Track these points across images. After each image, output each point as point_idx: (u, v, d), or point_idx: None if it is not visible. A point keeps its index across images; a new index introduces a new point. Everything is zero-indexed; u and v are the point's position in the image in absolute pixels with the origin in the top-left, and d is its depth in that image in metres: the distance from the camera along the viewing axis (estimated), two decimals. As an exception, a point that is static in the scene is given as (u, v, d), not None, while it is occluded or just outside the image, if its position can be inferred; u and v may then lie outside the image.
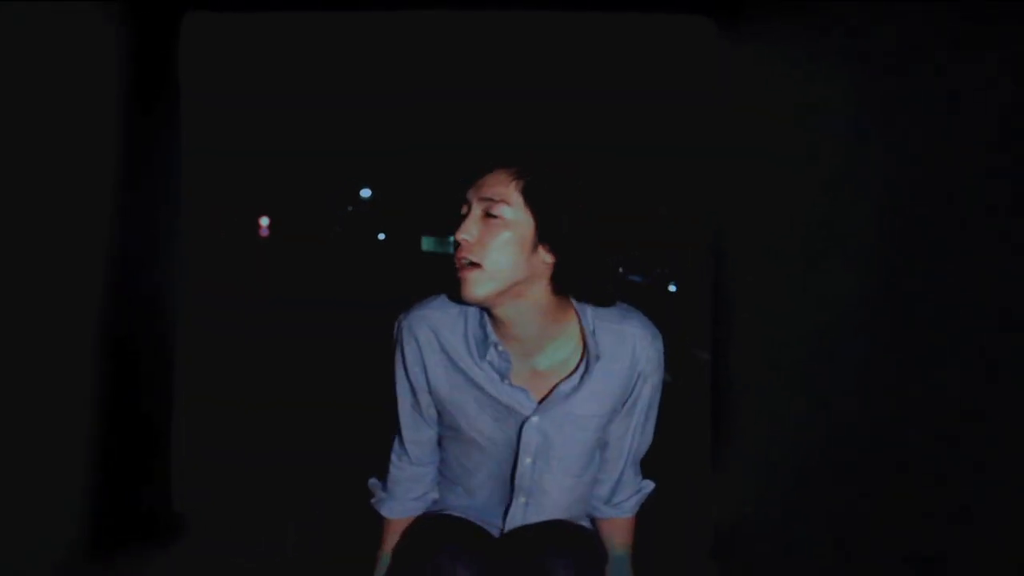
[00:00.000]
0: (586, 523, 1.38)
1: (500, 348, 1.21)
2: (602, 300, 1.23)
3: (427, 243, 25.32)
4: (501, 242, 1.13)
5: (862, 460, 1.33)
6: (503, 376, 1.22)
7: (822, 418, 1.48)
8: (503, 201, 1.13)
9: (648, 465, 1.40)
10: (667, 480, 1.45)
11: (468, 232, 1.14)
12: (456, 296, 1.22)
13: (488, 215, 1.14)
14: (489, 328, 1.21)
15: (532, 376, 1.24)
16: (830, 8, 1.49)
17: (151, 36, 1.97)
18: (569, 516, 1.33)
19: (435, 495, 1.37)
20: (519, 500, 1.30)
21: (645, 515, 1.39)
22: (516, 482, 1.28)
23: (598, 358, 1.23)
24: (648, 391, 1.29)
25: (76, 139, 1.72)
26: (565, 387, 1.23)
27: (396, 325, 1.29)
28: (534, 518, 1.31)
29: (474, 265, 1.13)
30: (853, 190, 1.37)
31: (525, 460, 1.27)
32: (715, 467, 2.09)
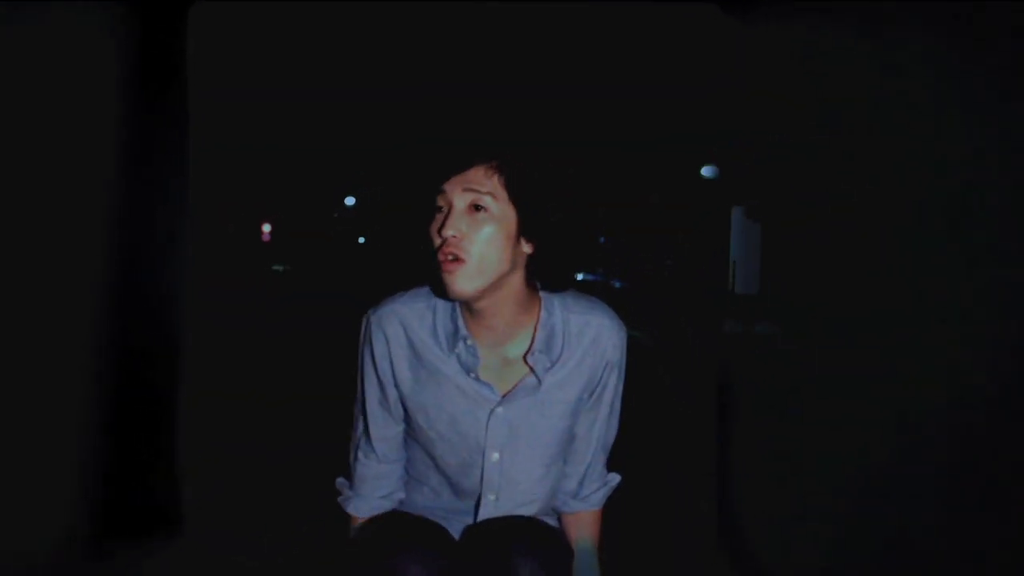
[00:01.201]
0: (551, 521, 1.37)
1: (469, 342, 1.21)
2: (565, 286, 1.24)
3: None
4: (488, 236, 1.13)
5: (866, 454, 1.32)
6: (470, 371, 1.22)
7: (828, 413, 1.47)
8: (489, 194, 1.12)
9: (655, 460, 1.39)
10: (672, 473, 1.44)
11: (455, 227, 1.12)
12: (428, 291, 1.23)
13: (472, 209, 1.13)
14: (460, 321, 1.21)
15: (502, 364, 1.24)
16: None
17: (157, 26, 1.97)
18: (538, 511, 1.32)
19: (402, 494, 1.35)
20: (489, 498, 1.29)
21: (650, 509, 1.37)
22: (484, 479, 1.27)
23: (545, 353, 1.23)
24: (614, 380, 1.29)
25: (83, 131, 1.72)
26: (531, 380, 1.23)
27: (364, 320, 1.28)
28: (506, 511, 1.30)
29: (460, 260, 1.12)
30: (871, 173, 1.36)
31: (492, 456, 1.26)
32: (719, 461, 2.09)
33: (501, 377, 1.25)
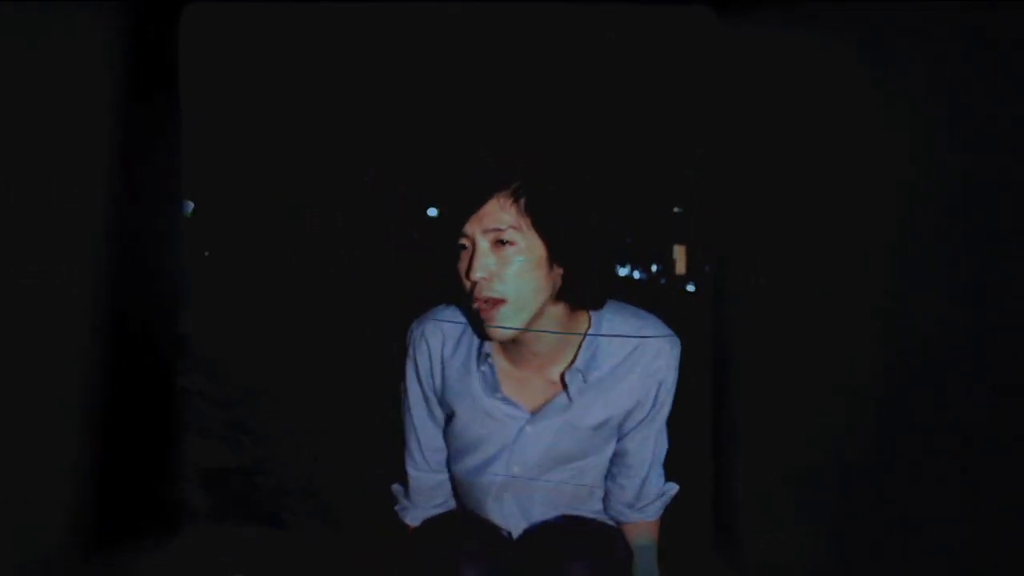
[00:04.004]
0: (608, 520, 1.38)
1: (491, 360, 1.20)
2: (600, 303, 1.22)
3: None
4: (520, 270, 1.09)
5: (868, 459, 1.32)
6: (494, 390, 1.21)
7: (829, 416, 1.47)
8: (512, 227, 1.09)
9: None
10: (669, 475, 1.45)
11: (483, 268, 1.09)
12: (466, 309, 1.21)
13: (498, 244, 1.09)
14: (488, 343, 1.20)
15: (541, 381, 1.23)
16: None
17: (150, 28, 1.96)
18: (575, 510, 1.34)
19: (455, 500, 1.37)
20: (513, 510, 1.31)
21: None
22: (496, 486, 1.29)
23: (583, 373, 1.20)
24: (666, 396, 1.29)
25: (72, 130, 1.71)
26: (563, 399, 1.23)
27: (409, 332, 1.28)
28: (535, 516, 1.32)
29: (498, 301, 1.09)
30: (864, 184, 1.36)
31: (513, 469, 1.27)
32: (717, 462, 2.09)
33: (534, 392, 1.23)
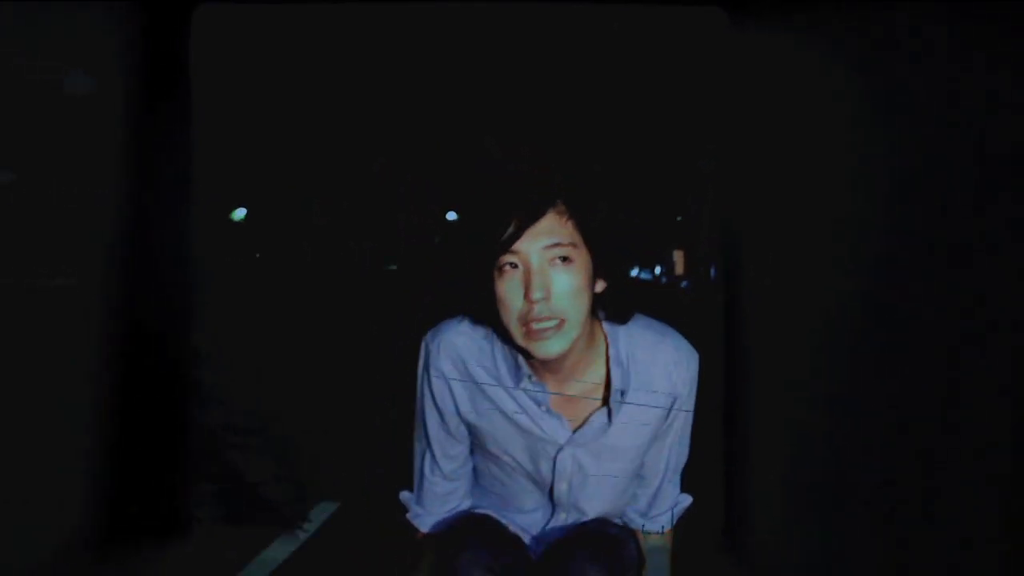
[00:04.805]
0: (621, 521, 1.37)
1: (533, 379, 1.17)
2: (629, 316, 1.18)
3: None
4: (576, 289, 1.05)
5: (874, 458, 1.32)
6: (540, 404, 1.18)
7: (835, 416, 1.47)
8: (571, 245, 1.04)
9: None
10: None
11: (542, 288, 1.03)
12: (481, 320, 1.17)
13: (555, 262, 1.04)
14: (520, 358, 1.17)
15: (564, 402, 1.20)
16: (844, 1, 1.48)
17: (161, 29, 1.97)
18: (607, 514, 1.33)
19: (469, 502, 1.35)
20: (559, 516, 1.29)
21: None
22: (555, 501, 1.27)
23: (623, 392, 1.17)
24: (680, 408, 1.25)
25: (84, 133, 1.73)
26: (598, 419, 1.20)
27: (423, 346, 1.24)
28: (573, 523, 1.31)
29: (560, 322, 1.05)
30: (869, 186, 1.36)
31: (561, 485, 1.24)
32: (726, 464, 2.08)
33: (565, 414, 1.21)
